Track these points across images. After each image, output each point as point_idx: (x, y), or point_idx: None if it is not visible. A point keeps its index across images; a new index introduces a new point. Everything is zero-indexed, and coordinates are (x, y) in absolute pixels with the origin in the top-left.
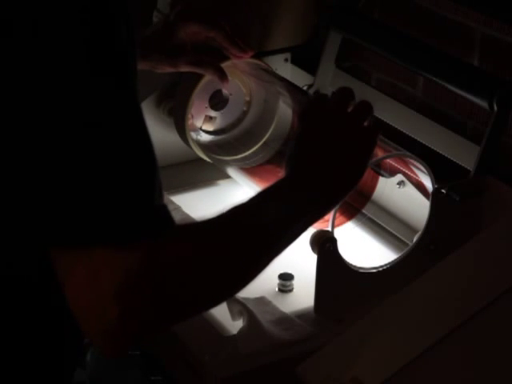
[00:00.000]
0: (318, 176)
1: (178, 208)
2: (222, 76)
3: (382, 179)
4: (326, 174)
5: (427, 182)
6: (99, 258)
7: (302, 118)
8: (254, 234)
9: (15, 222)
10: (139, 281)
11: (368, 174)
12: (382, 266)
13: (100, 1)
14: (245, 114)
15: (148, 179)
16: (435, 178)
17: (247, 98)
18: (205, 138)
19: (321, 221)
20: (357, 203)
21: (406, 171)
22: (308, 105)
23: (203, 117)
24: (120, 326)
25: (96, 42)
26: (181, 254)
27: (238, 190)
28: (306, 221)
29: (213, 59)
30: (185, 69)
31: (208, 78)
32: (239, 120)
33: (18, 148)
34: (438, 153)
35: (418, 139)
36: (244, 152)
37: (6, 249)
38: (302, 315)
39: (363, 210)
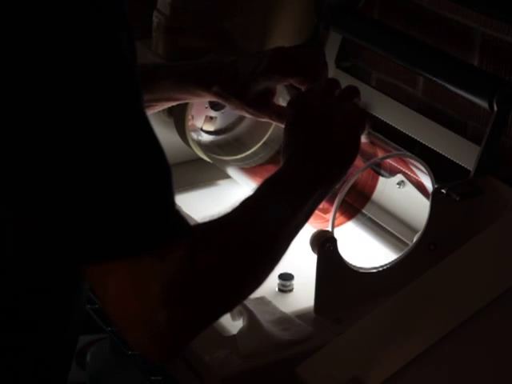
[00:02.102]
0: (315, 158)
1: (179, 208)
2: None
3: (381, 179)
4: (322, 155)
5: (427, 182)
6: (143, 265)
7: (291, 106)
8: (269, 225)
9: (50, 241)
10: (184, 281)
11: (368, 174)
12: (382, 266)
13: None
14: (240, 119)
15: (170, 184)
16: (435, 178)
17: None
18: (206, 138)
19: (321, 221)
20: (357, 203)
21: (406, 171)
22: (296, 93)
23: (204, 117)
24: (170, 329)
25: (107, 50)
26: (213, 251)
27: (238, 190)
28: (316, 200)
29: None
30: (265, 119)
31: None
32: (239, 120)
33: (40, 169)
34: (438, 153)
35: (418, 139)
36: (244, 152)
37: (36, 265)
38: (301, 315)
39: (363, 210)
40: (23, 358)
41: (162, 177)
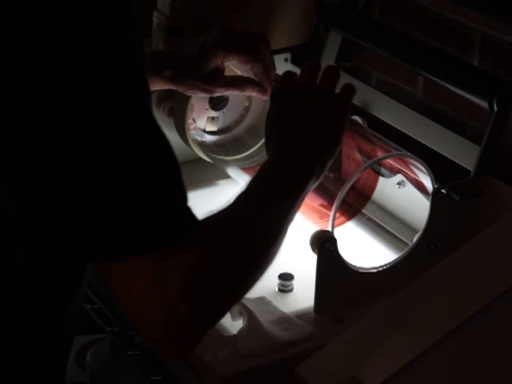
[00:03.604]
0: (302, 146)
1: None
2: (263, 90)
3: (381, 179)
4: (309, 140)
5: (427, 182)
6: (161, 260)
7: (274, 96)
8: (270, 220)
9: (67, 239)
10: (201, 276)
11: (368, 173)
12: (382, 266)
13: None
14: (245, 113)
15: (182, 179)
16: (435, 178)
17: (247, 98)
18: (209, 139)
19: (321, 221)
20: (357, 203)
21: (406, 171)
22: (277, 83)
23: (205, 118)
24: (189, 324)
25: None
26: (225, 245)
27: (238, 190)
28: (312, 182)
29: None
30: (220, 92)
31: None
32: (239, 120)
33: (63, 167)
34: (438, 153)
35: (418, 139)
36: (244, 152)
37: (39, 266)
38: (301, 315)
39: (363, 210)
40: (17, 358)
41: (175, 173)
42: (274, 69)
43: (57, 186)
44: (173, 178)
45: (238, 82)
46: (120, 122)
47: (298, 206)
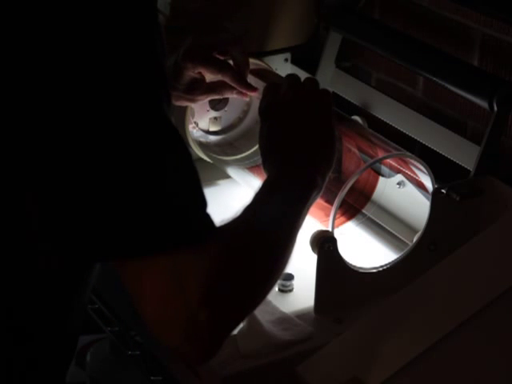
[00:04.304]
0: (300, 157)
1: None
2: (242, 92)
3: (382, 179)
4: (305, 151)
5: (427, 182)
6: (182, 263)
7: (263, 113)
8: (280, 221)
9: (87, 238)
10: (221, 280)
11: (368, 173)
12: (382, 266)
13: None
14: (245, 113)
15: (200, 184)
16: (435, 178)
17: (246, 98)
18: (213, 139)
19: (321, 220)
20: (357, 203)
21: (406, 171)
22: (264, 99)
23: (207, 119)
24: (210, 327)
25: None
26: (243, 250)
27: (238, 190)
28: (315, 194)
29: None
30: (202, 99)
31: None
32: (239, 120)
33: (95, 170)
34: (438, 153)
35: (418, 139)
36: (244, 152)
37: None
38: (301, 315)
39: (363, 210)
40: (22, 358)
41: (194, 176)
42: (247, 67)
43: (83, 190)
44: (193, 180)
45: (216, 88)
46: (147, 128)
47: (305, 214)
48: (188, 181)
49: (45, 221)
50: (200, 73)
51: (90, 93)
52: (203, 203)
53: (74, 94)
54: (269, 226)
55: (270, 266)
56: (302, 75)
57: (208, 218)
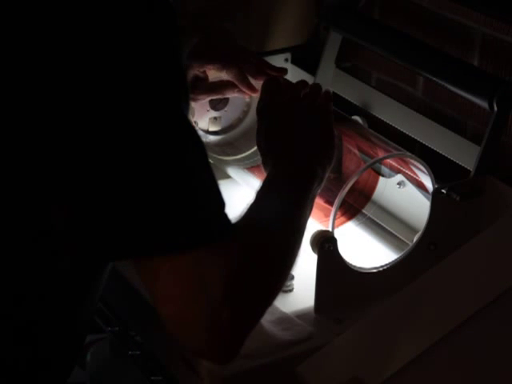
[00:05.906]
0: (300, 153)
1: None
2: (242, 91)
3: (382, 179)
4: (305, 147)
5: (427, 182)
6: (204, 262)
7: (260, 112)
8: (293, 225)
9: (111, 238)
10: (243, 279)
11: (368, 173)
12: (382, 266)
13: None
14: (245, 113)
15: (217, 184)
16: (435, 178)
17: (247, 98)
18: (213, 139)
19: (321, 220)
20: (357, 203)
21: (406, 171)
22: (261, 102)
23: (207, 119)
24: (233, 326)
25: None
26: (258, 246)
27: (238, 189)
28: (316, 185)
29: (228, 80)
30: (203, 99)
31: None
32: (239, 120)
33: (116, 175)
34: (438, 153)
35: (418, 139)
36: (244, 152)
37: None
38: (301, 315)
39: (363, 210)
40: (31, 357)
41: (213, 176)
42: (266, 63)
43: (105, 190)
44: (211, 180)
45: (217, 87)
46: (166, 128)
47: (309, 207)
48: (207, 181)
49: (65, 220)
50: (204, 72)
51: (112, 94)
52: (221, 203)
53: (96, 96)
54: (276, 222)
55: (284, 260)
56: (302, 75)
57: (226, 217)
